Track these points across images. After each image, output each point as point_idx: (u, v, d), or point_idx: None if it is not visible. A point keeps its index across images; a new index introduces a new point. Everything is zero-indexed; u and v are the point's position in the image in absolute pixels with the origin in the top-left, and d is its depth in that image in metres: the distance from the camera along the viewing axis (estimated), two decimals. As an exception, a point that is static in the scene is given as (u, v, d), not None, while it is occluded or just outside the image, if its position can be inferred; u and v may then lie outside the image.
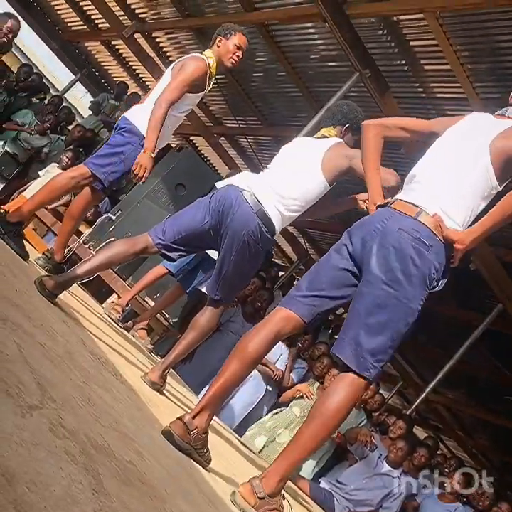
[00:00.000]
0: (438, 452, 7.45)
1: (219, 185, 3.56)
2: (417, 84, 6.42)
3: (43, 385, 1.58)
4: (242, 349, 2.59)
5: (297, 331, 2.70)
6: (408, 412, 7.82)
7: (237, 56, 4.14)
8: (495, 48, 5.58)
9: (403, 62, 6.33)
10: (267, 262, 9.14)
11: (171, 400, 3.31)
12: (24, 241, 3.96)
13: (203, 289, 5.81)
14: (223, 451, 3.21)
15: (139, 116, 4.12)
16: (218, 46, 4.15)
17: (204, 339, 3.56)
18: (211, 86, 4.26)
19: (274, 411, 6.20)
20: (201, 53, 4.19)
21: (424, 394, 7.88)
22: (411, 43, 6.11)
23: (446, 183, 2.58)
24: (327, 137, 3.60)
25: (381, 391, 7.49)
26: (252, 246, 3.25)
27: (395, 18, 6.03)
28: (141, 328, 5.06)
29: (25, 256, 3.74)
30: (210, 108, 9.57)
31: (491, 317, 7.29)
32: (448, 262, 2.49)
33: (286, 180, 3.38)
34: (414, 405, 8.08)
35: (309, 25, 6.85)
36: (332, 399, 2.36)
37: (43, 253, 4.32)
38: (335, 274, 2.56)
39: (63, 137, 8.89)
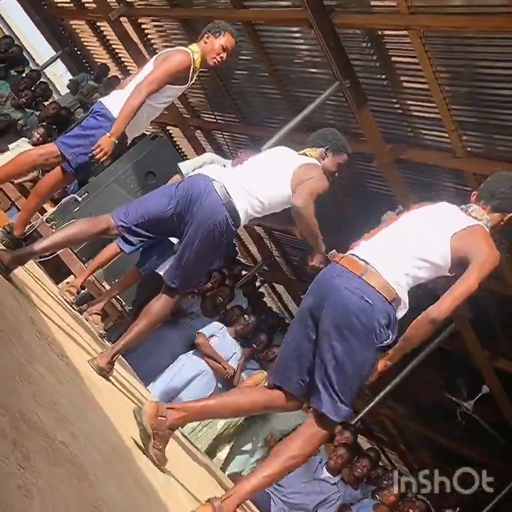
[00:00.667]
0: (379, 464, 7.53)
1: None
2: (395, 100, 6.49)
3: (-18, 358, 1.57)
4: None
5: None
6: (353, 422, 7.90)
7: (221, 57, 4.15)
8: (474, 73, 5.67)
9: (383, 76, 6.40)
10: (230, 258, 9.15)
11: (115, 386, 3.30)
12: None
13: (161, 273, 5.80)
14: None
15: (115, 102, 4.08)
16: (205, 43, 4.13)
17: (156, 327, 3.56)
18: (194, 80, 4.25)
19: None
20: (187, 47, 4.18)
21: (370, 405, 7.98)
22: (393, 59, 6.19)
23: (405, 249, 2.79)
24: (307, 156, 3.73)
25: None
26: (217, 236, 3.29)
27: (379, 33, 6.09)
28: (96, 313, 5.02)
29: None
30: (189, 100, 9.54)
31: (442, 336, 7.40)
32: (395, 317, 2.68)
33: (257, 181, 3.45)
34: (360, 415, 8.17)
35: (295, 29, 6.89)
36: (302, 437, 2.66)
37: (3, 227, 4.27)
38: (304, 346, 2.78)
39: (37, 113, 8.76)
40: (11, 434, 1.29)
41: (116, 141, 3.94)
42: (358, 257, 2.78)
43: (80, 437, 1.81)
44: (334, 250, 3.05)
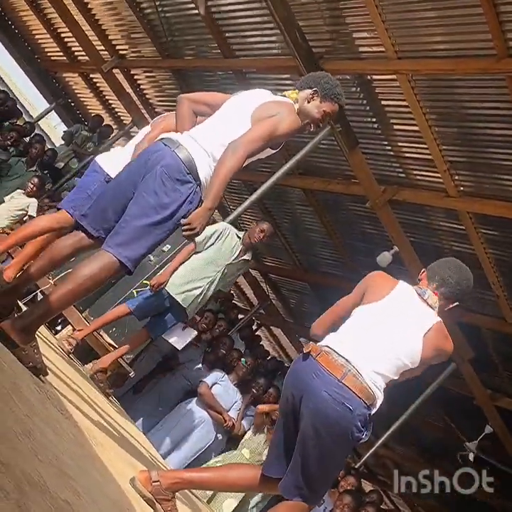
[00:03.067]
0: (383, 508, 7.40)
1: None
2: (386, 143, 6.58)
3: (-18, 416, 1.55)
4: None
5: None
6: (357, 466, 7.79)
7: None
8: (463, 113, 5.77)
9: (374, 119, 6.50)
10: (228, 304, 9.14)
11: (115, 437, 3.25)
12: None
13: (170, 340, 5.78)
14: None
15: (107, 158, 4.28)
16: None
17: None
18: None
19: (225, 453, 6.15)
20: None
21: (373, 448, 7.87)
22: (382, 102, 6.29)
23: (379, 345, 2.79)
24: (284, 97, 3.22)
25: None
26: (166, 181, 2.88)
27: (368, 77, 6.21)
28: (101, 371, 4.99)
29: None
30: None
31: (443, 376, 7.35)
32: (370, 417, 2.71)
33: (215, 134, 3.04)
34: (363, 459, 8.05)
35: (285, 76, 7.00)
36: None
37: None
38: (289, 439, 2.80)
39: (24, 159, 8.77)
40: (13, 495, 1.27)
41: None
42: (336, 352, 2.74)
43: (83, 495, 1.78)
44: (309, 342, 2.87)
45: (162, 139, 3.04)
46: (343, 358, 2.71)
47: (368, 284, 3.01)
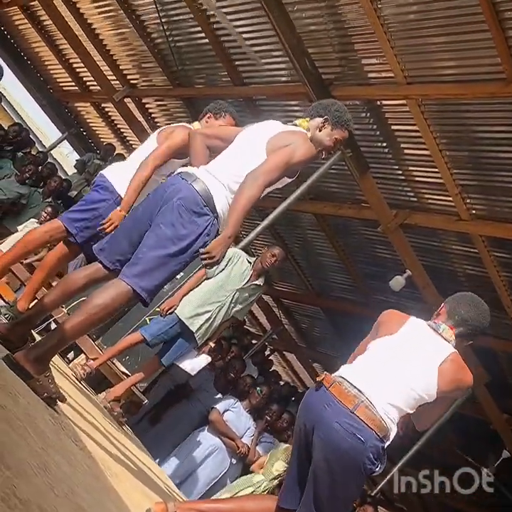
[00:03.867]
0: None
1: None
2: (397, 167, 6.59)
3: (-1, 451, 1.55)
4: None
5: None
6: (373, 493, 7.70)
7: None
8: (473, 137, 5.78)
9: (384, 144, 6.51)
10: (241, 329, 9.12)
11: (130, 467, 3.23)
12: None
13: (182, 366, 5.77)
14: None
15: (117, 173, 4.15)
16: (206, 122, 4.17)
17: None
18: None
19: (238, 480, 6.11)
20: (190, 123, 4.28)
21: (389, 475, 7.76)
22: (392, 127, 6.31)
23: (393, 377, 2.73)
24: (296, 126, 3.30)
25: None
26: (183, 213, 2.91)
27: (378, 102, 6.24)
28: (114, 400, 4.98)
29: None
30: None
31: (459, 400, 7.26)
32: (383, 449, 2.64)
33: (231, 167, 3.11)
34: (380, 486, 7.95)
35: (295, 102, 7.05)
36: None
37: (6, 301, 4.27)
38: (303, 469, 2.75)
39: (40, 190, 8.85)
40: (31, 532, 1.26)
41: (126, 215, 3.94)
42: (349, 382, 2.69)
43: (99, 528, 1.77)
44: (324, 372, 2.86)
45: (179, 172, 3.09)
46: (356, 388, 2.66)
47: (381, 321, 2.99)
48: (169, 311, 5.36)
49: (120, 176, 4.09)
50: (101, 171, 4.37)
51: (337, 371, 2.80)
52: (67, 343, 3.05)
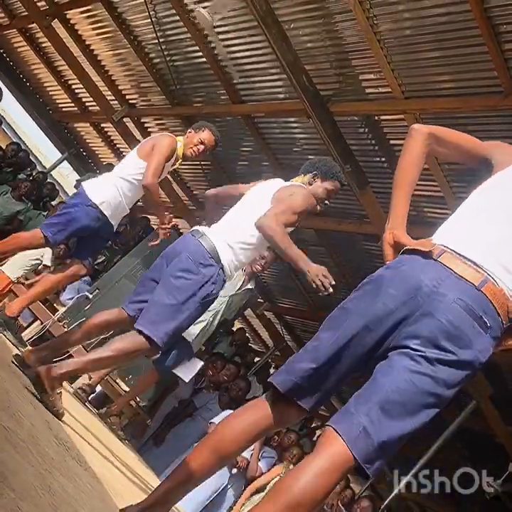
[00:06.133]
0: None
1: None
2: (396, 181, 6.58)
3: (2, 473, 1.54)
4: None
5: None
6: (380, 509, 7.63)
7: (198, 148, 4.58)
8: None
9: (383, 159, 6.53)
10: (244, 347, 9.08)
11: (135, 487, 3.21)
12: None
13: (177, 373, 5.75)
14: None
15: (92, 183, 4.62)
16: (187, 137, 4.62)
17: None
18: (174, 167, 4.76)
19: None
20: (176, 137, 4.66)
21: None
22: (391, 142, 6.33)
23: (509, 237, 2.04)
24: (295, 182, 3.77)
25: (352, 485, 7.32)
26: (190, 265, 3.31)
27: (376, 118, 6.26)
28: (114, 415, 4.97)
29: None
30: (194, 192, 9.72)
31: (464, 414, 7.24)
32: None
33: (238, 225, 3.55)
34: (386, 501, 7.88)
35: (293, 119, 7.08)
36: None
37: None
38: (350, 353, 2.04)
39: (45, 213, 8.90)
40: (36, 554, 1.25)
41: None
42: (465, 257, 1.97)
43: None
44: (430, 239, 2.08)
45: (191, 231, 3.52)
46: (473, 262, 1.98)
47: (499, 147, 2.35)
48: None
49: (94, 184, 4.59)
50: (82, 183, 4.80)
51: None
52: (85, 372, 3.70)
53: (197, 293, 3.27)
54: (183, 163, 4.83)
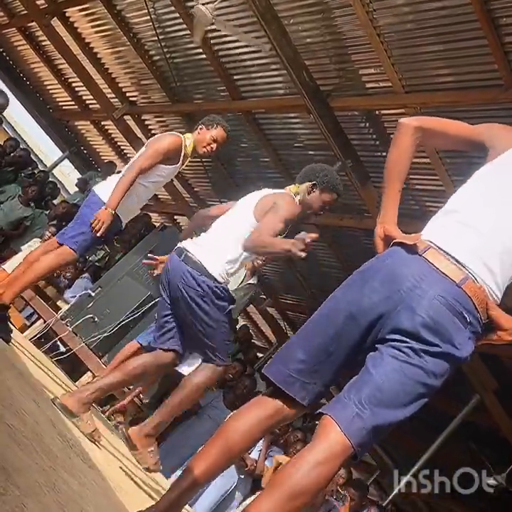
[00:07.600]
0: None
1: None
2: (397, 176, 6.57)
3: (7, 470, 1.54)
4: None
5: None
6: (384, 504, 7.64)
7: (211, 147, 4.37)
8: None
9: (384, 154, 6.47)
10: (247, 344, 9.09)
11: (140, 486, 3.22)
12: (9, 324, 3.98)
13: (181, 370, 5.74)
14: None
15: (105, 188, 4.38)
16: (198, 133, 4.35)
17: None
18: (185, 165, 4.50)
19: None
20: (183, 134, 4.42)
21: (400, 485, 7.71)
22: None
23: (498, 233, 2.06)
24: (283, 190, 3.64)
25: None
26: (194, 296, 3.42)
27: (377, 112, 6.25)
28: (119, 411, 4.98)
29: (8, 340, 3.71)
30: (195, 189, 9.72)
31: (467, 408, 7.23)
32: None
33: (223, 236, 3.55)
34: (391, 496, 7.89)
35: (294, 115, 7.07)
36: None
37: None
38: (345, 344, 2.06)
39: (47, 212, 8.92)
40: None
41: (113, 212, 4.17)
42: (449, 254, 2.01)
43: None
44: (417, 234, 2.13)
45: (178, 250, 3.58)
46: (456, 259, 2.02)
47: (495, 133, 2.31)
48: None
49: (107, 187, 4.34)
50: (92, 188, 4.65)
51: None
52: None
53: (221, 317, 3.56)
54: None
